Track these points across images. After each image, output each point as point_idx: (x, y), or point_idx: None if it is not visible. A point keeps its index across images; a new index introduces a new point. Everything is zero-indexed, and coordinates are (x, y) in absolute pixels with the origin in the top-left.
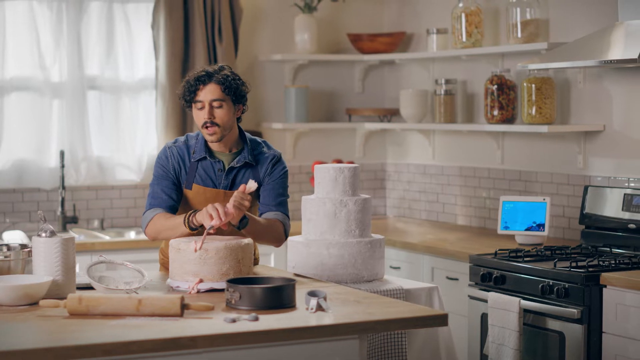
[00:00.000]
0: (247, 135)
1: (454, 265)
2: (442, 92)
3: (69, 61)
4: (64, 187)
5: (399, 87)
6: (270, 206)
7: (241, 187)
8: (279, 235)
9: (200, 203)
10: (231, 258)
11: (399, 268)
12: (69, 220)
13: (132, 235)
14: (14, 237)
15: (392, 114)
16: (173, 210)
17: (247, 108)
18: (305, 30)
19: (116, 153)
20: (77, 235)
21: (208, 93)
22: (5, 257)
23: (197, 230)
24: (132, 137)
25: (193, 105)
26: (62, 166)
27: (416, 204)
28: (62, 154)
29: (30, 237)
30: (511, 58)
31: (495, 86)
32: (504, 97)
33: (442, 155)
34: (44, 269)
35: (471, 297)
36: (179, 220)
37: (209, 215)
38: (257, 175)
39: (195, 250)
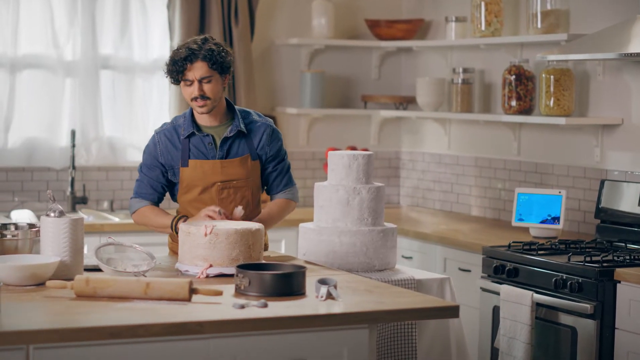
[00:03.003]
0: (236, 106)
1: (467, 257)
2: (460, 81)
3: (83, 40)
4: (74, 167)
5: (416, 75)
6: (280, 190)
7: (234, 213)
8: (291, 209)
9: (198, 178)
10: (241, 243)
11: (411, 258)
12: (78, 201)
13: None
14: (22, 216)
15: (408, 102)
16: (157, 203)
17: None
18: (323, 15)
19: (128, 134)
20: (86, 216)
21: (196, 71)
22: (13, 236)
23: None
24: (144, 118)
25: (182, 82)
26: (73, 146)
27: (430, 194)
28: (73, 133)
29: (38, 217)
30: (530, 48)
31: (514, 76)
32: (522, 88)
33: (458, 145)
34: (51, 249)
35: (483, 290)
36: (166, 222)
37: (205, 218)
38: (252, 144)
39: (205, 235)
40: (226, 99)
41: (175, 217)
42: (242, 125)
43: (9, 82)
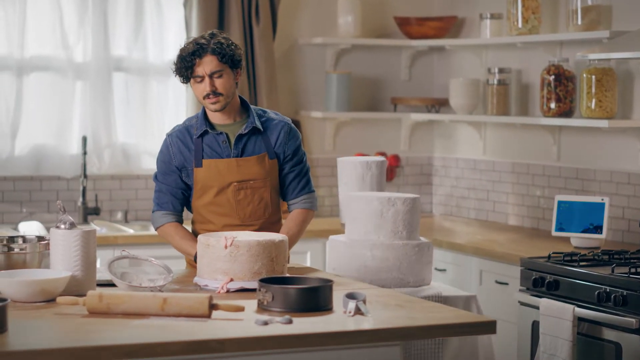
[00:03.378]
0: (251, 106)
1: (504, 269)
2: (495, 81)
3: (94, 40)
4: (85, 176)
5: (449, 76)
6: (296, 196)
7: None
8: (310, 220)
9: (213, 178)
10: (264, 256)
11: (444, 270)
12: (90, 212)
13: None
14: (30, 228)
15: (440, 104)
16: (181, 210)
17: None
18: (349, 12)
19: (142, 140)
20: (98, 227)
21: (206, 65)
22: (21, 249)
23: None
24: (160, 123)
25: (192, 79)
26: (84, 153)
27: (465, 202)
28: (84, 139)
29: (48, 229)
30: (570, 47)
31: (553, 77)
32: (562, 89)
33: (494, 150)
34: (62, 263)
35: (521, 304)
36: (190, 251)
37: None
38: (269, 142)
39: (226, 247)
40: (240, 97)
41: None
42: (257, 123)
43: (16, 86)
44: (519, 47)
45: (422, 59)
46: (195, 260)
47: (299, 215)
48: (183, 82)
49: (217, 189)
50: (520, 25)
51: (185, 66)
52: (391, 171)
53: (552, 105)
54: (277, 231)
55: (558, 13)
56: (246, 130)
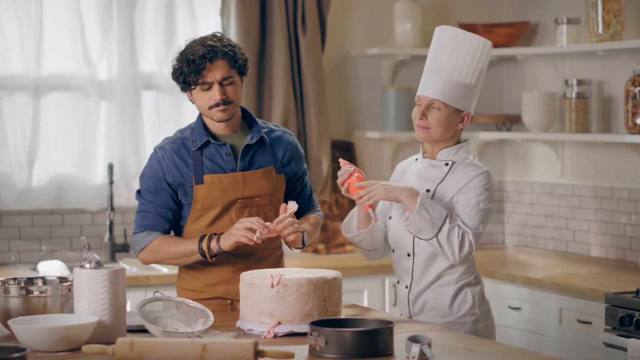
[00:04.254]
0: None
1: (587, 306)
2: (573, 95)
3: (120, 55)
4: (112, 208)
5: (521, 89)
6: (308, 207)
7: (282, 208)
8: (319, 227)
9: (216, 196)
10: (315, 295)
11: (519, 309)
12: (118, 249)
13: None
14: (51, 268)
15: (512, 122)
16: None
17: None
18: (408, 19)
19: None
20: (128, 266)
21: (217, 71)
22: (41, 292)
23: (215, 258)
24: None
25: (197, 86)
26: (111, 182)
27: (541, 231)
28: (110, 167)
29: (71, 269)
30: None
31: (638, 88)
32: None
33: (573, 172)
34: (87, 307)
35: (607, 345)
36: (190, 247)
37: (244, 231)
38: (275, 156)
39: (272, 286)
40: (241, 107)
41: (202, 238)
42: (263, 132)
43: (33, 108)
44: (599, 55)
45: (491, 71)
46: (207, 254)
47: (312, 218)
48: (183, 90)
49: (220, 209)
50: (600, 30)
51: (194, 70)
52: None
53: (638, 120)
54: (279, 257)
55: None
56: (253, 141)
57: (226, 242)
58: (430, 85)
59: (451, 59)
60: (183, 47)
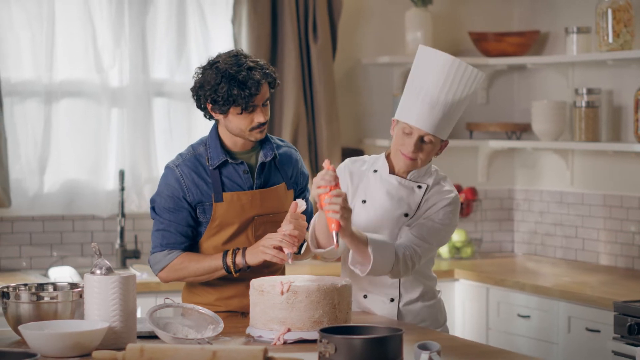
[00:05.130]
0: None
1: (596, 315)
2: (583, 104)
3: (132, 62)
4: (123, 215)
5: (531, 98)
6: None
7: (293, 206)
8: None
9: (235, 214)
10: (325, 303)
11: (528, 317)
12: (129, 255)
13: None
14: (62, 274)
15: (522, 130)
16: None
17: None
18: (419, 28)
19: None
20: (138, 272)
21: (264, 94)
22: (52, 298)
23: (239, 273)
24: None
25: (240, 110)
26: (122, 189)
27: (550, 240)
28: (121, 174)
29: (81, 275)
30: None
31: None
32: None
33: (583, 181)
34: (98, 313)
35: (616, 354)
36: (214, 263)
37: (274, 251)
38: (285, 172)
39: (282, 293)
40: None
41: (225, 253)
42: (275, 148)
43: (44, 114)
44: (609, 64)
45: (501, 79)
46: (232, 269)
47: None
48: (219, 111)
49: (237, 226)
50: (610, 40)
51: (249, 95)
52: (467, 206)
53: None
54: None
55: None
56: (268, 158)
57: (254, 259)
58: (427, 119)
59: (448, 93)
60: (215, 63)
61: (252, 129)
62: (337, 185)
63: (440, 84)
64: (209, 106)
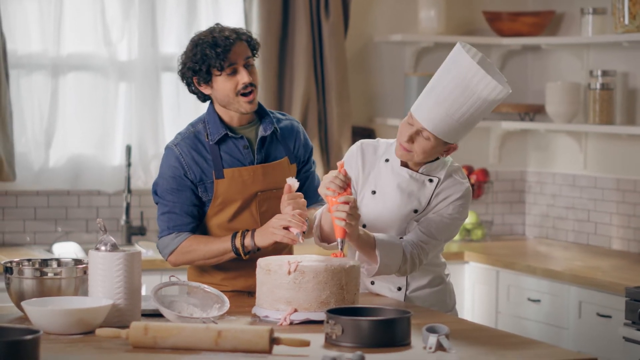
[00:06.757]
0: None
1: (607, 300)
2: (598, 86)
3: (141, 36)
4: (129, 191)
5: (545, 79)
6: (313, 199)
7: (287, 188)
8: None
9: (237, 190)
10: (332, 283)
11: (539, 301)
12: (134, 231)
13: None
14: (66, 250)
15: (535, 112)
16: (197, 232)
17: None
18: (432, 6)
19: None
20: (144, 249)
21: (242, 53)
22: (56, 274)
23: (248, 255)
24: None
25: (221, 73)
26: (129, 164)
27: (562, 223)
28: (128, 149)
29: (86, 251)
30: None
31: None
32: None
33: (596, 164)
34: (102, 290)
35: (627, 339)
36: (223, 246)
37: (284, 231)
38: (287, 145)
39: (289, 273)
40: None
41: (234, 235)
42: (275, 122)
43: (51, 88)
44: (625, 46)
45: (515, 60)
46: (241, 252)
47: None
48: (203, 81)
49: (240, 202)
50: (626, 21)
51: (220, 53)
52: (478, 188)
53: None
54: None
55: None
56: (268, 132)
57: (264, 240)
58: (428, 114)
59: (459, 97)
60: (191, 42)
61: (238, 94)
62: (346, 190)
63: (452, 86)
64: (195, 80)
